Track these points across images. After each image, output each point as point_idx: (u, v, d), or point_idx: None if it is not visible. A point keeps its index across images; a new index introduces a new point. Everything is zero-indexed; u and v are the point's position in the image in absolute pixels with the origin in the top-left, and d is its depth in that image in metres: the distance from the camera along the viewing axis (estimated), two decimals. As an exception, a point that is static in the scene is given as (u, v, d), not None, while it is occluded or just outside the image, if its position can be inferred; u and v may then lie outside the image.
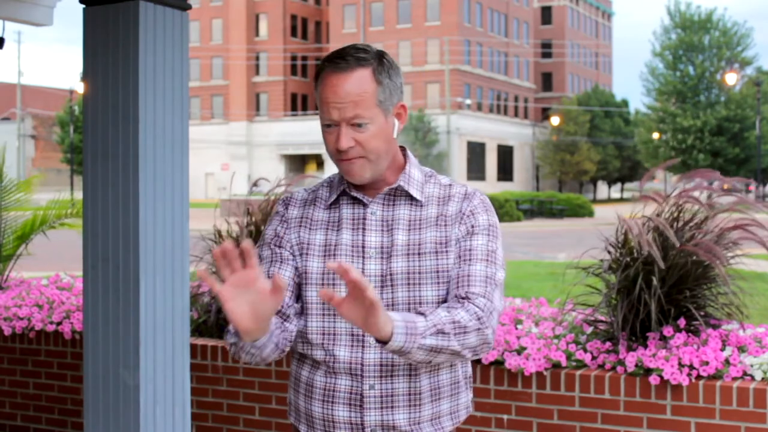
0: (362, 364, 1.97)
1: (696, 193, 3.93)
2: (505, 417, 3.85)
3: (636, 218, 3.84)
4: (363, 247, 1.99)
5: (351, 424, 1.99)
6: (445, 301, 1.98)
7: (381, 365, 1.97)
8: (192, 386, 4.37)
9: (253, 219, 4.80)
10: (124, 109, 3.31)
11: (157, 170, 3.34)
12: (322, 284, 2.00)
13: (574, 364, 3.79)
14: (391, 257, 1.97)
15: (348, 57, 1.95)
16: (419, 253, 1.98)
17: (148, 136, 3.31)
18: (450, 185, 2.07)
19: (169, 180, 3.39)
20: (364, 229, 2.00)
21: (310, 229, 2.05)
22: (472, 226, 2.01)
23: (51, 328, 4.87)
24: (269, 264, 2.05)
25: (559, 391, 3.75)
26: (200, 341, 4.55)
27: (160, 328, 3.37)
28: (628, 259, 3.79)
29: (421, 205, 2.03)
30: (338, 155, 1.97)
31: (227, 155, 64.70)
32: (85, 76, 3.43)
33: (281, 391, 4.30)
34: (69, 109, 47.82)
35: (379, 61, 1.97)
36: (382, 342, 1.77)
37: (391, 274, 1.97)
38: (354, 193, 2.03)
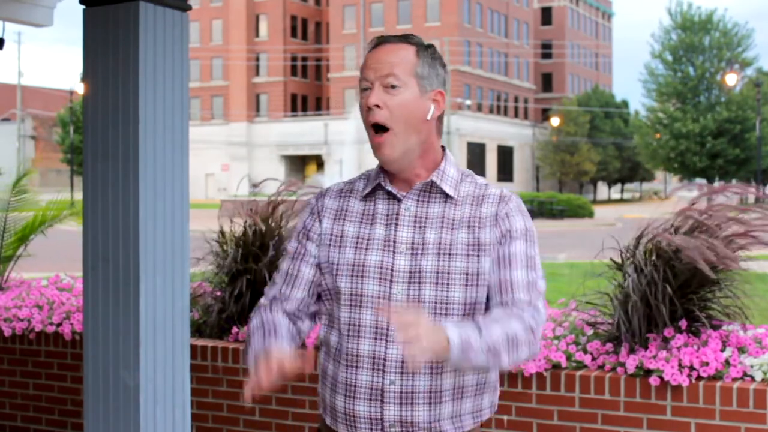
0: (385, 359, 1.98)
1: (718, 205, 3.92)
2: (505, 418, 3.84)
3: (657, 222, 3.82)
4: (394, 242, 2.00)
5: (371, 419, 1.99)
6: (472, 304, 1.98)
7: (403, 361, 1.96)
8: (192, 387, 4.37)
9: (255, 221, 4.79)
10: (124, 110, 3.31)
11: (157, 170, 3.34)
12: (352, 275, 2.01)
13: (574, 365, 3.79)
14: (421, 254, 1.98)
15: (398, 35, 2.05)
16: (449, 254, 1.98)
17: (148, 136, 3.31)
18: (486, 185, 2.07)
19: (169, 180, 3.39)
20: (396, 224, 2.01)
21: (344, 219, 2.07)
22: (509, 231, 1.99)
23: (51, 329, 4.87)
24: (291, 260, 2.10)
25: (559, 392, 3.75)
26: (200, 342, 4.55)
27: (160, 329, 3.37)
28: (643, 264, 3.78)
29: (455, 204, 2.03)
30: (368, 117, 1.99)
31: (227, 156, 64.69)
32: (85, 77, 3.43)
33: (281, 391, 4.30)
34: (69, 109, 47.82)
35: (425, 46, 2.05)
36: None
37: (419, 272, 1.97)
38: (389, 188, 2.04)
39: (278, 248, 4.63)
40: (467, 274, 1.97)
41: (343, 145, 49.67)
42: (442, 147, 2.10)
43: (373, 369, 1.99)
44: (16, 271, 6.14)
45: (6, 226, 6.18)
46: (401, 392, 1.98)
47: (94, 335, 3.40)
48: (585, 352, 3.83)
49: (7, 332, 4.97)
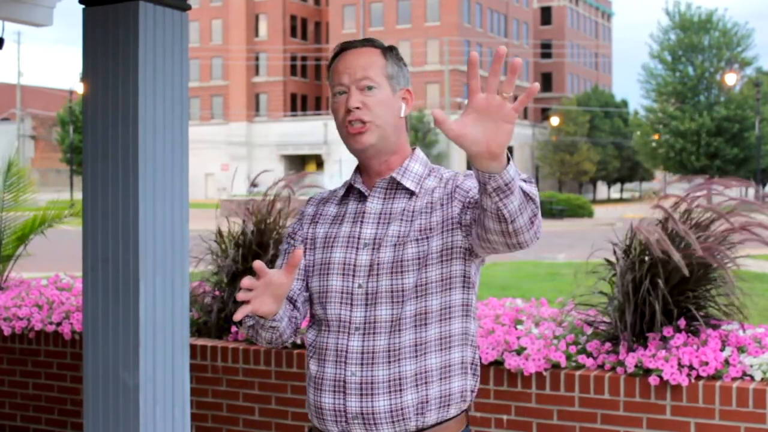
0: (346, 351, 2.04)
1: (698, 195, 3.94)
2: (505, 417, 3.85)
3: (646, 221, 3.84)
4: (358, 238, 2.08)
5: (335, 411, 2.04)
6: (423, 285, 2.02)
7: (363, 353, 2.02)
8: (192, 386, 4.37)
9: (254, 219, 4.80)
10: (124, 110, 3.31)
11: (157, 170, 3.34)
12: (320, 274, 2.10)
13: (573, 364, 3.79)
14: (380, 248, 2.04)
15: (360, 40, 2.14)
16: (404, 243, 2.04)
17: (148, 136, 3.31)
18: (446, 175, 2.12)
19: (169, 180, 3.40)
20: (362, 222, 2.10)
21: (317, 223, 2.18)
22: (458, 185, 2.05)
23: (51, 328, 4.87)
24: (284, 255, 2.21)
25: (558, 392, 3.76)
26: (200, 341, 4.55)
27: (160, 329, 3.37)
28: (636, 261, 3.79)
29: (417, 197, 2.09)
30: (346, 118, 2.06)
31: (227, 156, 64.66)
32: (85, 77, 3.43)
33: (281, 391, 4.30)
34: (69, 108, 47.82)
35: (389, 48, 2.14)
36: (492, 174, 1.69)
37: (378, 264, 2.04)
38: (357, 185, 2.13)
39: (278, 247, 4.64)
40: (419, 259, 2.02)
41: (343, 144, 49.59)
42: (414, 147, 2.17)
43: (336, 361, 2.05)
44: (15, 271, 6.14)
45: (3, 225, 6.18)
46: (361, 383, 2.02)
47: (94, 335, 3.40)
48: (585, 352, 3.83)
49: (7, 331, 4.97)
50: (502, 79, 1.68)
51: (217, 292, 4.84)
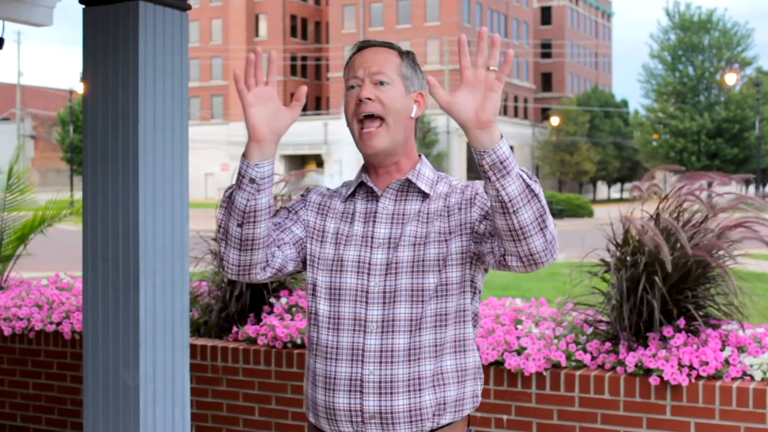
0: (363, 350, 2.02)
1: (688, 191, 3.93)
2: (505, 417, 3.85)
3: (638, 217, 3.84)
4: (372, 238, 2.08)
5: (350, 411, 2.02)
6: (444, 285, 2.04)
7: (381, 351, 2.01)
8: (192, 386, 4.37)
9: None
10: (124, 110, 3.31)
11: (157, 170, 3.34)
12: (331, 270, 2.09)
13: (573, 364, 3.79)
14: (397, 247, 2.05)
15: (380, 41, 2.18)
16: (424, 243, 2.05)
17: (148, 136, 3.31)
18: (459, 183, 2.16)
19: (169, 180, 3.40)
20: (374, 221, 2.10)
21: (325, 215, 2.16)
22: (477, 193, 2.09)
23: (51, 328, 4.87)
24: (283, 217, 2.17)
25: (558, 392, 3.76)
26: (200, 341, 4.55)
27: (160, 328, 3.37)
28: (630, 258, 3.79)
29: (431, 200, 2.11)
30: (358, 111, 2.08)
31: (227, 155, 64.65)
32: (85, 77, 3.43)
33: (281, 391, 4.31)
34: (69, 108, 47.85)
35: (406, 52, 2.18)
36: (485, 149, 1.85)
37: (396, 263, 2.04)
38: (370, 184, 2.13)
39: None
40: (439, 260, 2.04)
41: (343, 144, 49.69)
42: (420, 154, 2.20)
43: (352, 360, 2.03)
44: (15, 271, 6.15)
45: (3, 226, 6.19)
46: (380, 382, 2.00)
47: (93, 335, 3.40)
48: (585, 351, 3.83)
49: (7, 331, 4.97)
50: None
51: (217, 292, 4.84)
